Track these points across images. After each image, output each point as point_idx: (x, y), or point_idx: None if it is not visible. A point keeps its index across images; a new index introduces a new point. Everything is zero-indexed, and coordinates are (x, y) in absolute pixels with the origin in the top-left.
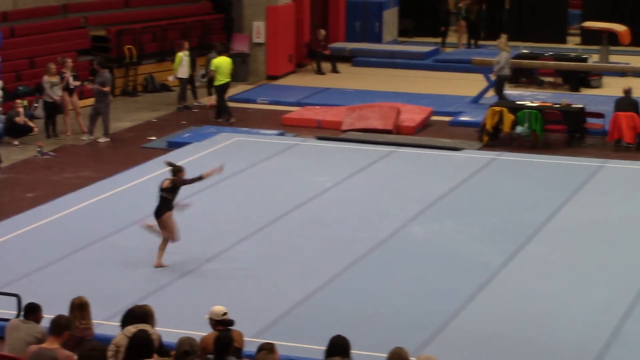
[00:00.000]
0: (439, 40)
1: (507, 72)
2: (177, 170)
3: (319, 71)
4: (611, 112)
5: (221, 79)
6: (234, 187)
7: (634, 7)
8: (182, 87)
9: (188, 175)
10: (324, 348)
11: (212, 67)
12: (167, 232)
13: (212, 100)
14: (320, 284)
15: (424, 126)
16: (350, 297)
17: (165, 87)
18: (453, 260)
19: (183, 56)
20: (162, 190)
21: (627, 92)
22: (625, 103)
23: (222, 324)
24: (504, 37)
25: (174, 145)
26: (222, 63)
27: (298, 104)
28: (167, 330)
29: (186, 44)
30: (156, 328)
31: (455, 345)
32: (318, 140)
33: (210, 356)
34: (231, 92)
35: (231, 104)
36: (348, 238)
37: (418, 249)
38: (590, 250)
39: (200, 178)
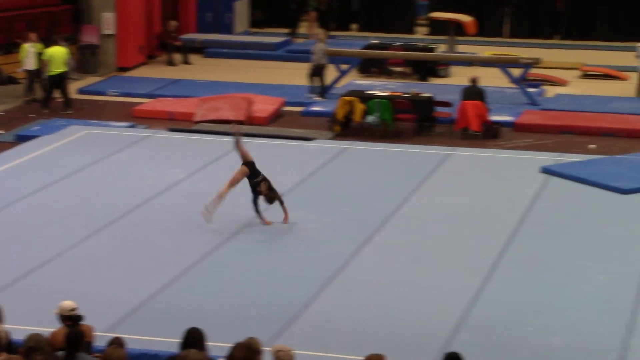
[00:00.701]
0: (290, 30)
1: (323, 61)
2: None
3: (171, 62)
4: (458, 101)
5: (54, 69)
6: (84, 180)
7: None
8: (29, 79)
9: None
10: (178, 341)
11: (46, 57)
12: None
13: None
14: (173, 276)
15: (276, 117)
16: (204, 289)
17: (12, 80)
18: (306, 250)
19: (29, 48)
20: (262, 177)
21: (474, 81)
22: (471, 92)
23: (70, 319)
24: (322, 29)
25: (22, 139)
26: (55, 53)
27: (149, 95)
28: (16, 327)
29: (33, 36)
30: (4, 325)
31: (308, 334)
32: (170, 132)
33: (59, 352)
34: (81, 84)
35: (81, 96)
36: (201, 229)
37: (271, 239)
38: (440, 236)
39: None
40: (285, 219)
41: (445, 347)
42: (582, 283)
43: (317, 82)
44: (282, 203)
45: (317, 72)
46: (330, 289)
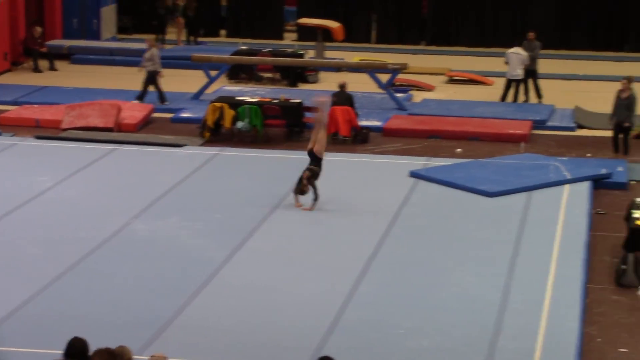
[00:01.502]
0: (157, 37)
1: (158, 68)
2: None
3: (36, 69)
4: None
5: None
6: None
7: (346, 4)
8: None
9: None
10: (49, 351)
11: None
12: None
13: None
14: (42, 286)
15: (146, 123)
16: (74, 298)
17: None
18: (177, 257)
19: None
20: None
21: (342, 86)
22: (340, 97)
23: None
24: (153, 36)
25: None
26: None
27: (15, 102)
28: None
29: None
30: None
31: (182, 341)
32: (37, 140)
33: None
34: None
35: None
36: (70, 238)
37: (142, 247)
38: (311, 241)
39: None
40: (309, 208)
41: (319, 351)
42: (451, 285)
43: (153, 89)
44: (315, 199)
45: (152, 78)
46: (203, 295)
